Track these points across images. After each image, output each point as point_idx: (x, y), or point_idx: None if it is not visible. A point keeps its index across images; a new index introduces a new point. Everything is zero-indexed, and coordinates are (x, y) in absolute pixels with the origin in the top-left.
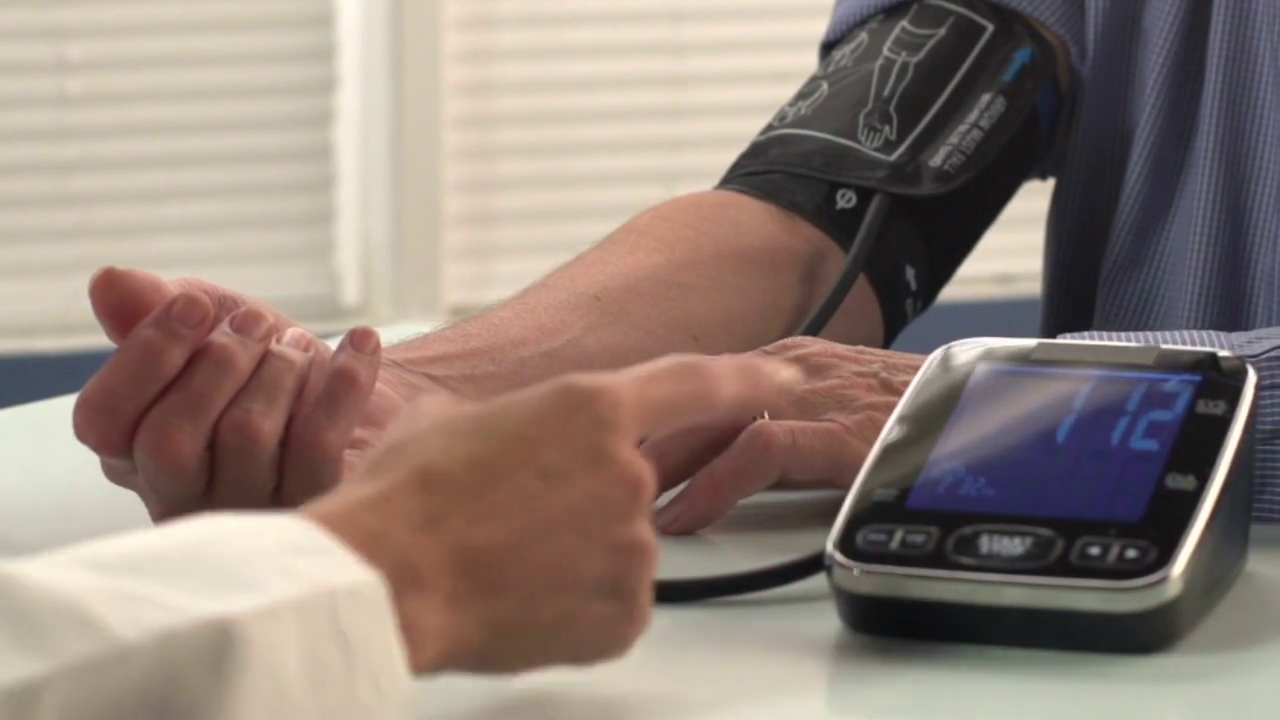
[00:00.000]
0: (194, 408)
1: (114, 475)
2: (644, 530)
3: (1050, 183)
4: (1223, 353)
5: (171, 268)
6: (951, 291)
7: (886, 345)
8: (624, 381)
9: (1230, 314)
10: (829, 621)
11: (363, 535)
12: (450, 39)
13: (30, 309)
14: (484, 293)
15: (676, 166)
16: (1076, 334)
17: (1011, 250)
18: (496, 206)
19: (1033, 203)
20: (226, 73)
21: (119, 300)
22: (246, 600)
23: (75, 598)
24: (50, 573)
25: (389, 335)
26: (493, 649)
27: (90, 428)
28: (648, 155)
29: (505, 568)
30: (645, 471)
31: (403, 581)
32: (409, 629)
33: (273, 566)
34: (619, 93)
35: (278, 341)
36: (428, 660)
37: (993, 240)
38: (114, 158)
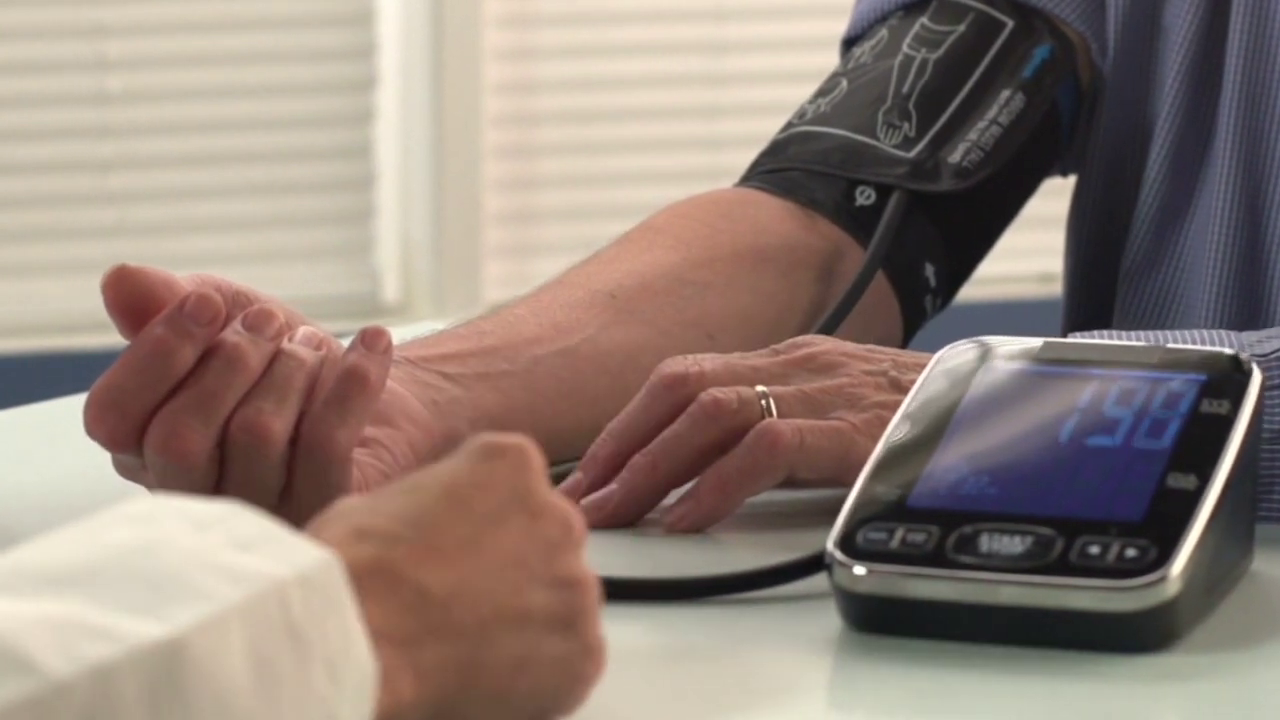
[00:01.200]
0: (204, 406)
1: (125, 471)
2: (583, 566)
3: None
4: (1229, 351)
5: (209, 266)
6: (993, 290)
7: (906, 342)
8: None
9: (1249, 313)
10: (830, 620)
11: None
12: (490, 37)
13: (70, 306)
14: (524, 291)
15: (717, 165)
16: (1085, 333)
17: (1054, 249)
18: (536, 205)
19: None
20: (266, 71)
21: (131, 297)
22: (187, 614)
23: (4, 633)
24: None
25: (423, 333)
26: (455, 697)
27: (99, 424)
28: (688, 154)
29: (454, 607)
30: (572, 510)
31: None
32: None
33: (216, 570)
34: (660, 91)
35: (289, 340)
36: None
37: (1035, 239)
38: (153, 156)
